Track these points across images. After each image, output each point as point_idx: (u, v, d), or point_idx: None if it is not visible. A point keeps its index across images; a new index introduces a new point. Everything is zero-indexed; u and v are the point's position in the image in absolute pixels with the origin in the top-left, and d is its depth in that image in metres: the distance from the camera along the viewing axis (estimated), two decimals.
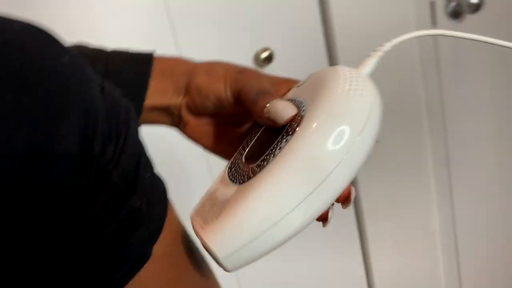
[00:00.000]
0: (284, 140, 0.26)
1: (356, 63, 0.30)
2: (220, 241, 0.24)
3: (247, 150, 0.30)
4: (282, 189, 0.25)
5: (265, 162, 0.26)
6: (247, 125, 0.37)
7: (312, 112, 0.26)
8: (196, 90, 0.34)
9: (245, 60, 0.86)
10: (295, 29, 0.91)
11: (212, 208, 0.27)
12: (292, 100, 0.30)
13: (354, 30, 0.95)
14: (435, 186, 1.14)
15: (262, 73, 0.35)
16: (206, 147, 0.37)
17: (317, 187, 0.24)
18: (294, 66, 0.90)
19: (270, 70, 0.87)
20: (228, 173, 0.29)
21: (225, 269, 0.25)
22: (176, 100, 0.35)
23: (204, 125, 0.36)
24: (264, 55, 0.86)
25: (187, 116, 0.35)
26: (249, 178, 0.26)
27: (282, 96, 0.33)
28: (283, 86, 0.34)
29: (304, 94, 0.29)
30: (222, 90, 0.33)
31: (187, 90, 0.34)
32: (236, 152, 0.32)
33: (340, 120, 0.25)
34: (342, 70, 0.28)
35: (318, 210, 0.25)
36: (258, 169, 0.26)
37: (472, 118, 1.14)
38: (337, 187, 0.25)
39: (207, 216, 0.26)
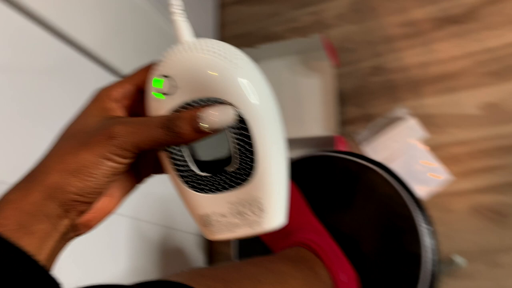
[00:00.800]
0: (239, 137, 0.29)
1: None
2: (279, 214, 0.31)
3: (191, 164, 0.31)
4: (282, 153, 0.31)
5: (251, 158, 0.29)
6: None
7: (240, 104, 0.28)
8: (82, 196, 0.28)
9: None
10: None
11: (238, 214, 0.30)
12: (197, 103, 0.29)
13: None
14: None
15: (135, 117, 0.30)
16: (118, 203, 0.33)
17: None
18: None
19: None
20: (198, 190, 0.31)
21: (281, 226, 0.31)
22: (64, 223, 0.29)
23: (106, 198, 0.32)
24: None
25: (86, 218, 0.30)
26: (245, 178, 0.30)
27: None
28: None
29: (196, 93, 0.29)
30: (113, 167, 0.28)
31: (66, 207, 0.28)
32: (173, 174, 0.31)
33: (256, 83, 0.29)
34: (202, 51, 0.28)
35: None
36: (251, 164, 0.29)
37: None
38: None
39: (242, 221, 0.31)
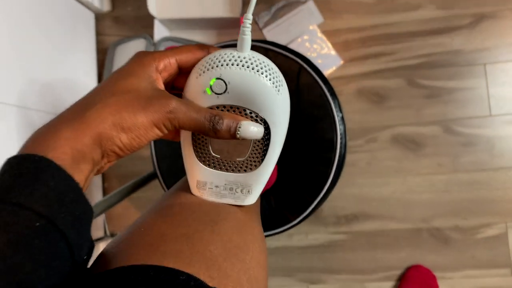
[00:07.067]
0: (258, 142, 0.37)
1: None
2: (258, 196, 0.40)
3: (210, 147, 0.37)
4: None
5: (263, 158, 0.37)
6: None
7: (272, 122, 0.35)
8: (122, 151, 0.32)
9: None
10: None
11: (230, 189, 0.39)
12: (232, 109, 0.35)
13: None
14: None
15: (183, 95, 0.35)
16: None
17: None
18: None
19: None
20: (212, 166, 0.38)
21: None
22: (98, 167, 0.32)
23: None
24: None
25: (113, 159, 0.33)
26: (248, 169, 0.38)
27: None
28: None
29: (239, 102, 0.34)
30: (157, 134, 0.33)
31: (105, 154, 0.31)
32: (188, 146, 0.38)
33: (286, 108, 0.36)
34: (261, 67, 0.33)
35: None
36: (258, 161, 0.38)
37: None
38: None
39: (230, 195, 0.39)
